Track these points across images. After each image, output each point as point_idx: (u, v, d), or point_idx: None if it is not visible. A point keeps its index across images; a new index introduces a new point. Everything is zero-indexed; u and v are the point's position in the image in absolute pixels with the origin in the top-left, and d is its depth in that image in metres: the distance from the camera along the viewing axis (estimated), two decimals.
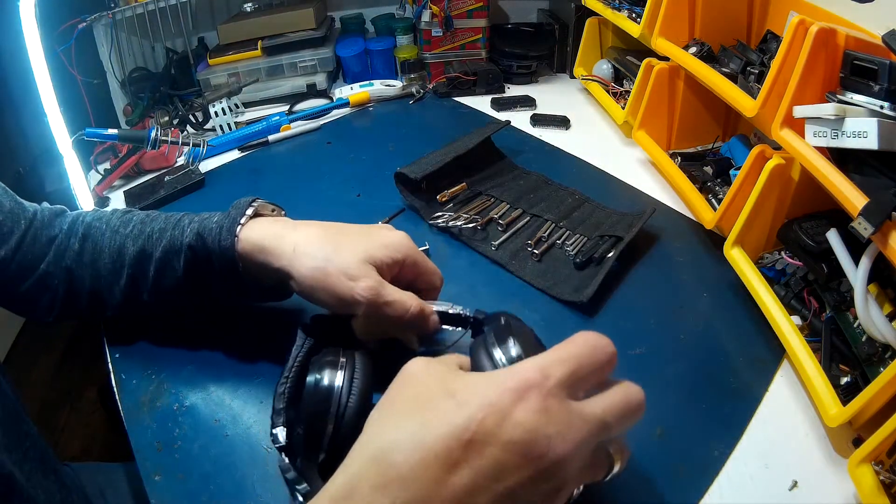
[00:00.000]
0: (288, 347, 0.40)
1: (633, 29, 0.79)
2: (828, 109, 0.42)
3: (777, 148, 0.53)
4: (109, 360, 0.52)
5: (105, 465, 0.62)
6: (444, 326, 0.44)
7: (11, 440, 0.36)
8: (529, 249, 0.62)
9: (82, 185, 0.80)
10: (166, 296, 0.49)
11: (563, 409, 0.27)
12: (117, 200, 0.80)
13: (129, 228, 0.50)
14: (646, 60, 0.77)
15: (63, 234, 0.50)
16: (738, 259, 0.55)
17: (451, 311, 0.43)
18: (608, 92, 0.92)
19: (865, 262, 0.42)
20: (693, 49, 0.68)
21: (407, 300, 0.41)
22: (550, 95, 1.00)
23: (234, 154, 0.90)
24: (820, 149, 0.45)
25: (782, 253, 0.53)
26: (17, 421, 0.38)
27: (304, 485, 0.32)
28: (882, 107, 0.40)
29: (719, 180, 0.67)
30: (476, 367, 0.32)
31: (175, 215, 0.50)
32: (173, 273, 0.48)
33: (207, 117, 0.95)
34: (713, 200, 0.65)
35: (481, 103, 0.99)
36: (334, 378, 0.35)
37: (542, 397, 0.26)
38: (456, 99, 1.02)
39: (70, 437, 1.37)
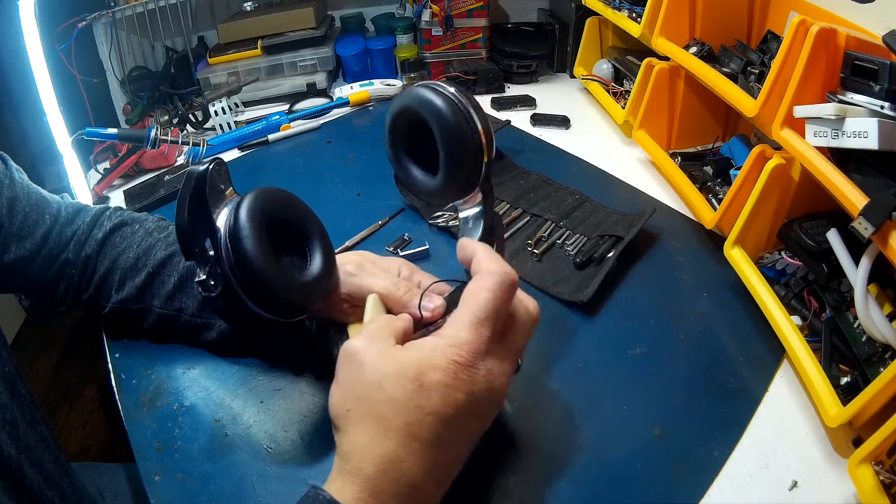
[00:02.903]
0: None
1: (634, 29, 0.79)
2: (828, 109, 0.42)
3: (777, 148, 0.53)
4: (109, 360, 0.52)
5: (105, 465, 0.61)
6: None
7: (32, 441, 0.36)
8: (529, 249, 0.62)
9: (82, 185, 0.80)
10: (173, 313, 0.49)
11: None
12: (117, 200, 0.80)
13: (163, 234, 0.51)
14: (646, 60, 0.77)
15: (85, 225, 0.51)
16: (739, 259, 0.55)
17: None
18: (608, 92, 0.92)
19: (865, 262, 0.42)
20: (693, 49, 0.68)
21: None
22: (550, 95, 1.00)
23: (234, 153, 0.90)
24: (820, 149, 0.45)
25: (782, 253, 0.53)
26: (33, 422, 0.38)
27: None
28: (882, 107, 0.40)
29: (719, 180, 0.67)
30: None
31: None
32: (194, 289, 0.48)
33: (207, 116, 0.95)
34: (713, 200, 0.65)
35: (481, 103, 0.99)
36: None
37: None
38: None
39: (69, 437, 1.37)
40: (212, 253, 0.38)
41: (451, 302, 0.41)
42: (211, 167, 0.38)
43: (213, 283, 0.38)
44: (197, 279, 0.38)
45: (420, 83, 0.39)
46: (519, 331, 0.36)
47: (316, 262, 0.41)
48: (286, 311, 0.39)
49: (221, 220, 0.38)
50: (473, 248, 0.37)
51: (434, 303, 0.39)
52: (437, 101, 0.37)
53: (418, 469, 0.32)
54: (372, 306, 0.41)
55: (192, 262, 0.48)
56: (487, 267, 0.35)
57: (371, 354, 0.33)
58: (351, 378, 0.33)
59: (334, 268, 0.42)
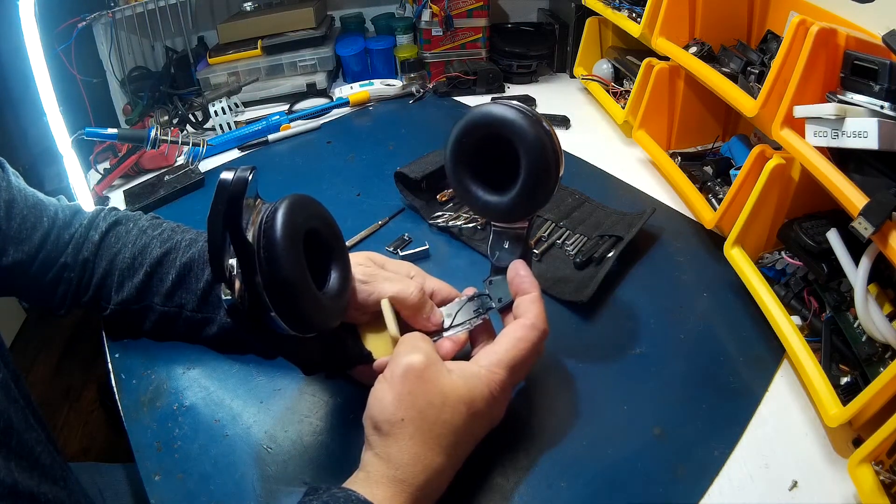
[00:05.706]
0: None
1: (634, 29, 0.79)
2: (828, 109, 0.42)
3: (777, 148, 0.53)
4: (109, 360, 0.52)
5: (105, 465, 0.61)
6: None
7: (29, 443, 0.36)
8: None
9: (82, 185, 0.80)
10: (174, 310, 0.49)
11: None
12: (117, 200, 0.80)
13: (157, 231, 0.51)
14: (646, 60, 0.77)
15: (82, 228, 0.51)
16: (738, 259, 0.55)
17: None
18: (608, 92, 0.92)
19: (865, 262, 0.42)
20: (693, 49, 0.68)
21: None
22: (550, 95, 1.00)
23: (234, 153, 0.90)
24: (820, 149, 0.45)
25: (782, 253, 0.53)
26: (27, 429, 0.37)
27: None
28: (882, 107, 0.40)
29: (719, 180, 0.67)
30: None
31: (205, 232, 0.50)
32: (192, 284, 0.49)
33: (207, 116, 0.95)
34: (713, 200, 0.65)
35: (480, 102, 0.99)
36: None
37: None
38: (456, 98, 1.02)
39: (69, 437, 1.37)
40: (233, 263, 0.35)
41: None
42: (250, 178, 0.34)
43: (241, 302, 0.36)
44: (225, 298, 0.36)
45: (493, 102, 0.41)
46: (529, 366, 0.42)
47: (339, 277, 0.41)
48: (315, 328, 0.38)
49: (251, 235, 0.35)
50: (528, 287, 0.42)
51: (438, 317, 0.45)
52: (522, 119, 0.39)
53: (447, 476, 0.37)
54: (390, 313, 0.43)
55: (189, 261, 0.49)
56: (534, 315, 0.41)
57: (433, 375, 0.37)
58: (417, 392, 0.36)
59: (351, 277, 0.43)
